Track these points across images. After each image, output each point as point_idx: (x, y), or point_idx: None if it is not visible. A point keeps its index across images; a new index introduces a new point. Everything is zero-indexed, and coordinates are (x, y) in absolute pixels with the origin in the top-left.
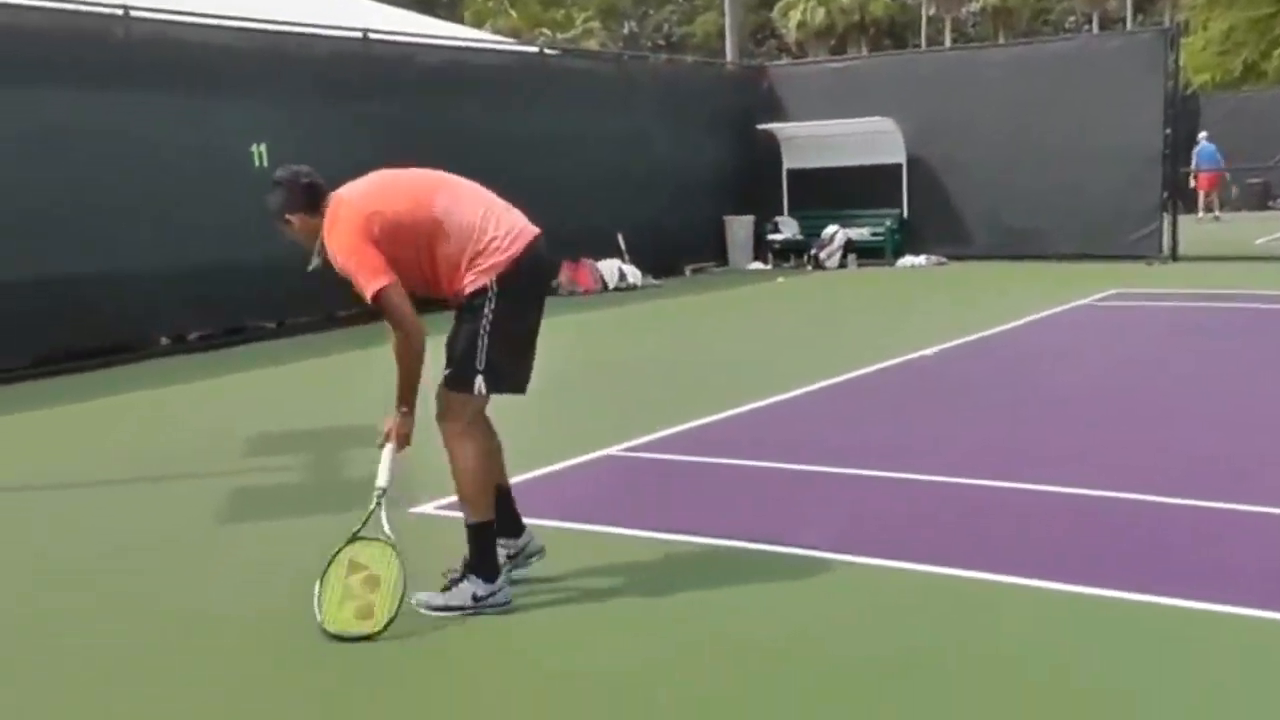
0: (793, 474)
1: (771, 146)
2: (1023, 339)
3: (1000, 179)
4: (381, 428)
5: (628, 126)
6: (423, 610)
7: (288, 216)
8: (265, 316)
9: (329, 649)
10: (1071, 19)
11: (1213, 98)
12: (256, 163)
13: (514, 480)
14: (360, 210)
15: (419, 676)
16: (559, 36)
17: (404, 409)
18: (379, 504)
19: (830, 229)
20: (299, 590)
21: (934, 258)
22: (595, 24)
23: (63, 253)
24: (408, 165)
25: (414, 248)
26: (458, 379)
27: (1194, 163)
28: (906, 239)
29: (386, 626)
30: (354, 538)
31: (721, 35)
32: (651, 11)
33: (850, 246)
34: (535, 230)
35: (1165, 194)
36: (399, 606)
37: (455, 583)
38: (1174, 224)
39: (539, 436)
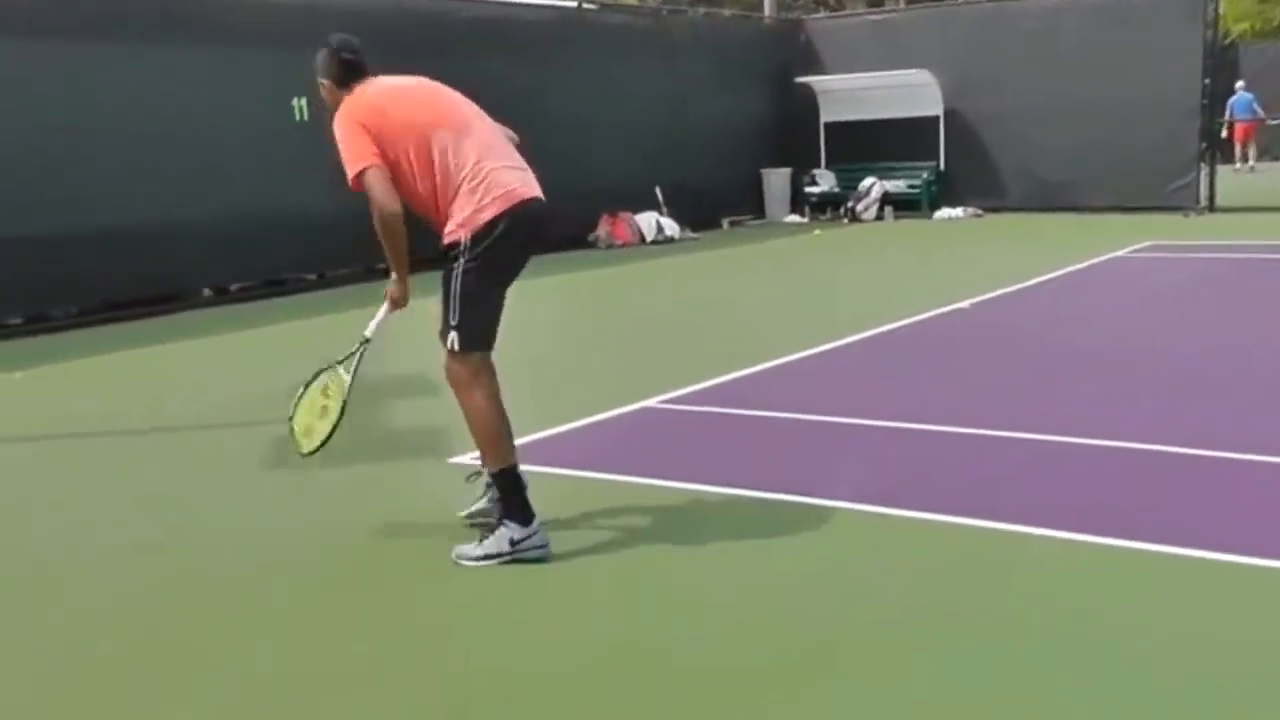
0: (826, 426)
1: (809, 100)
2: (1059, 291)
3: (1037, 131)
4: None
5: (665, 81)
6: (463, 563)
7: (321, 79)
8: (306, 269)
9: (363, 599)
10: None
11: (1252, 47)
12: (297, 116)
13: (551, 431)
14: (369, 102)
15: (440, 623)
16: None
17: (395, 276)
18: (361, 351)
19: (867, 181)
20: (332, 539)
21: (971, 210)
22: None
23: (106, 206)
24: None
25: (406, 161)
26: (441, 335)
27: (1228, 113)
28: (943, 191)
29: (314, 452)
30: (332, 365)
31: None
32: None
33: (887, 199)
34: (529, 194)
35: (1203, 145)
36: (328, 439)
37: (491, 530)
38: (1211, 175)
39: (576, 389)
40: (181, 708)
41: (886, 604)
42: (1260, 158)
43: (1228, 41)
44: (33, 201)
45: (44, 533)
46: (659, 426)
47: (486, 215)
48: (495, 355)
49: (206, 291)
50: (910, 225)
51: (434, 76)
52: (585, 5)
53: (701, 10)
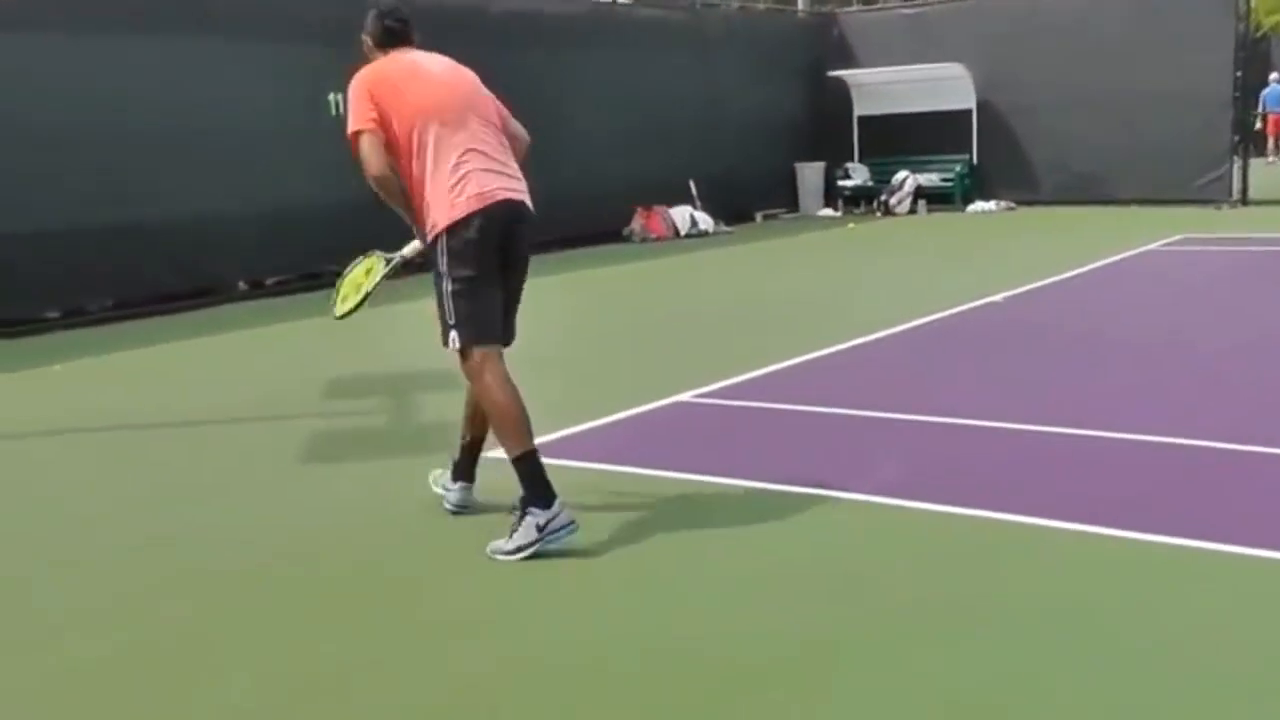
0: (859, 420)
1: (842, 93)
2: (1091, 284)
3: (1069, 123)
4: None
5: (699, 75)
6: (498, 558)
7: (364, 35)
8: (342, 262)
9: (386, 593)
10: None
11: None
12: (333, 111)
13: (585, 425)
14: (386, 75)
15: (457, 618)
16: None
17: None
18: (396, 261)
19: (900, 175)
20: (354, 533)
21: (1003, 203)
22: None
23: (142, 200)
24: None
25: (405, 140)
26: (442, 336)
27: (1261, 105)
28: (976, 184)
29: (344, 316)
30: (379, 255)
31: None
32: None
33: (920, 192)
34: (503, 196)
35: (1235, 138)
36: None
37: (519, 521)
38: (1244, 168)
39: (610, 383)
40: (188, 705)
41: (912, 597)
42: None
43: (1259, 34)
44: (69, 195)
45: (63, 524)
46: (693, 421)
47: (458, 214)
48: (534, 348)
49: (242, 285)
50: (943, 219)
51: (469, 67)
52: (620, 0)
53: (736, 4)
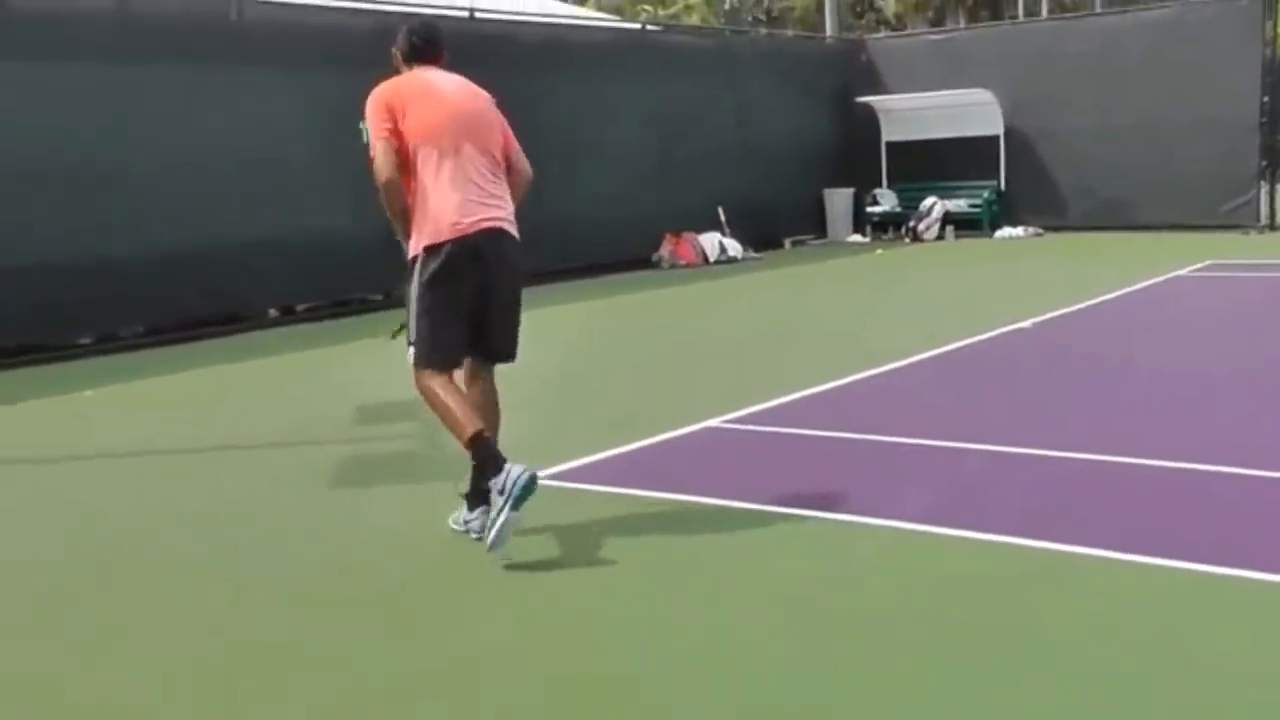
0: (888, 446)
1: (870, 119)
2: (1120, 311)
3: (1097, 149)
4: None
5: (728, 101)
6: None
7: (394, 49)
8: (372, 289)
9: (408, 620)
10: None
11: None
12: (364, 139)
13: (615, 450)
14: (400, 91)
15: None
16: (660, 13)
17: (402, 240)
18: None
19: (928, 201)
20: (378, 556)
21: (1031, 229)
22: (696, 0)
23: (173, 227)
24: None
25: (409, 157)
26: (407, 346)
27: None
28: (1004, 210)
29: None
30: None
31: (821, 9)
32: None
33: (948, 218)
34: (477, 228)
35: (1263, 162)
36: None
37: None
38: (1271, 193)
39: (639, 408)
40: None
41: (940, 623)
42: None
43: None
44: (102, 223)
45: (97, 546)
46: (722, 446)
47: (429, 240)
48: (564, 373)
49: (273, 312)
50: (971, 245)
51: (499, 95)
52: (649, 27)
53: (764, 31)
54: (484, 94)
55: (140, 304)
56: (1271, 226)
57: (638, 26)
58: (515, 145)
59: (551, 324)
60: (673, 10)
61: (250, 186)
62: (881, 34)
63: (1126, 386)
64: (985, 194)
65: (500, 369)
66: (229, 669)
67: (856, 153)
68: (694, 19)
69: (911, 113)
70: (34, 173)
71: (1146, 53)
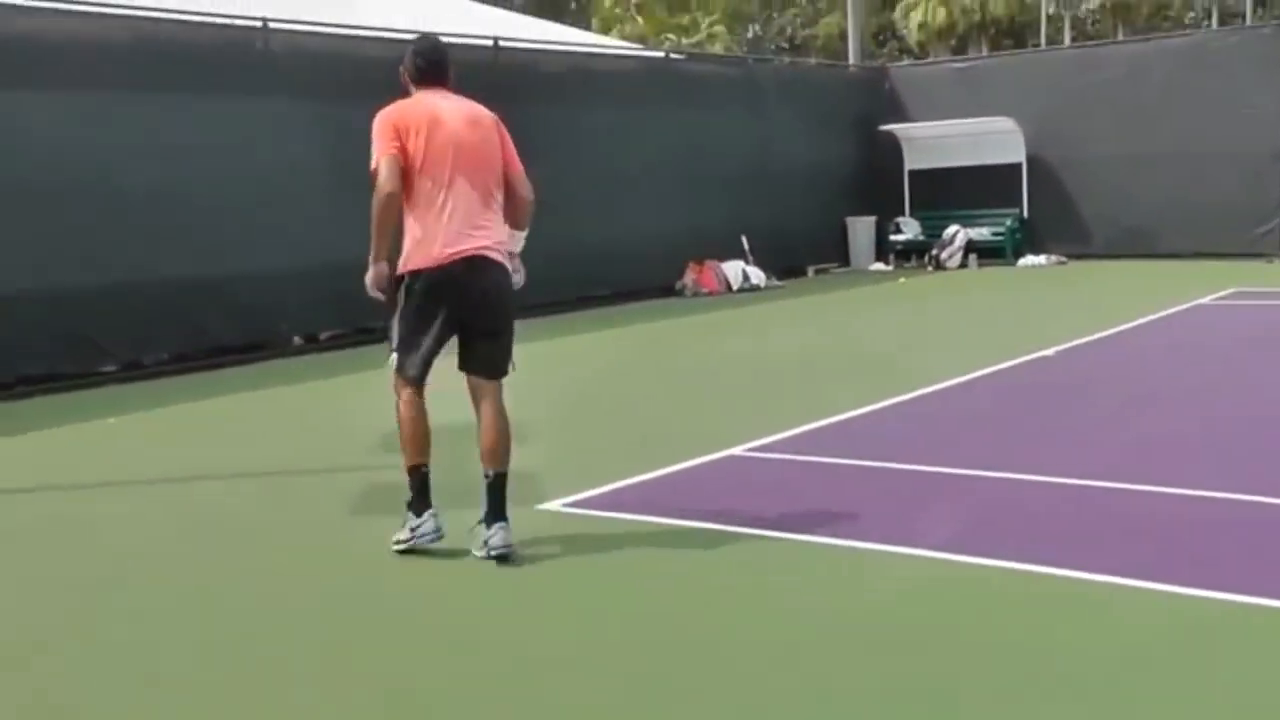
0: (913, 474)
1: (893, 147)
2: (1143, 338)
3: (1119, 177)
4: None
5: (752, 129)
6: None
7: (402, 68)
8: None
9: (439, 648)
10: (1191, 14)
11: None
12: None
13: (638, 479)
14: (405, 115)
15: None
16: (684, 41)
17: (371, 258)
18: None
19: (951, 229)
20: (416, 584)
21: (1054, 257)
22: (720, 28)
23: (197, 255)
24: (535, 168)
25: (409, 180)
26: (389, 354)
27: None
28: (1027, 238)
29: None
30: None
31: (844, 37)
32: (775, 15)
33: (971, 246)
34: (465, 255)
35: None
36: None
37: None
38: None
39: (662, 437)
40: None
41: (967, 652)
42: None
43: None
44: (126, 252)
45: (117, 571)
46: (746, 475)
47: (414, 265)
48: (587, 401)
49: (297, 340)
50: (994, 273)
51: (524, 123)
52: (673, 55)
53: (787, 59)
54: (486, 119)
55: (164, 331)
56: None
57: (661, 55)
58: (517, 168)
59: (576, 352)
60: (696, 39)
61: (274, 214)
62: (904, 62)
63: (1151, 414)
64: (1008, 222)
65: (526, 397)
66: (254, 693)
67: (879, 181)
68: (717, 48)
69: (934, 141)
70: (59, 200)
71: (1169, 81)
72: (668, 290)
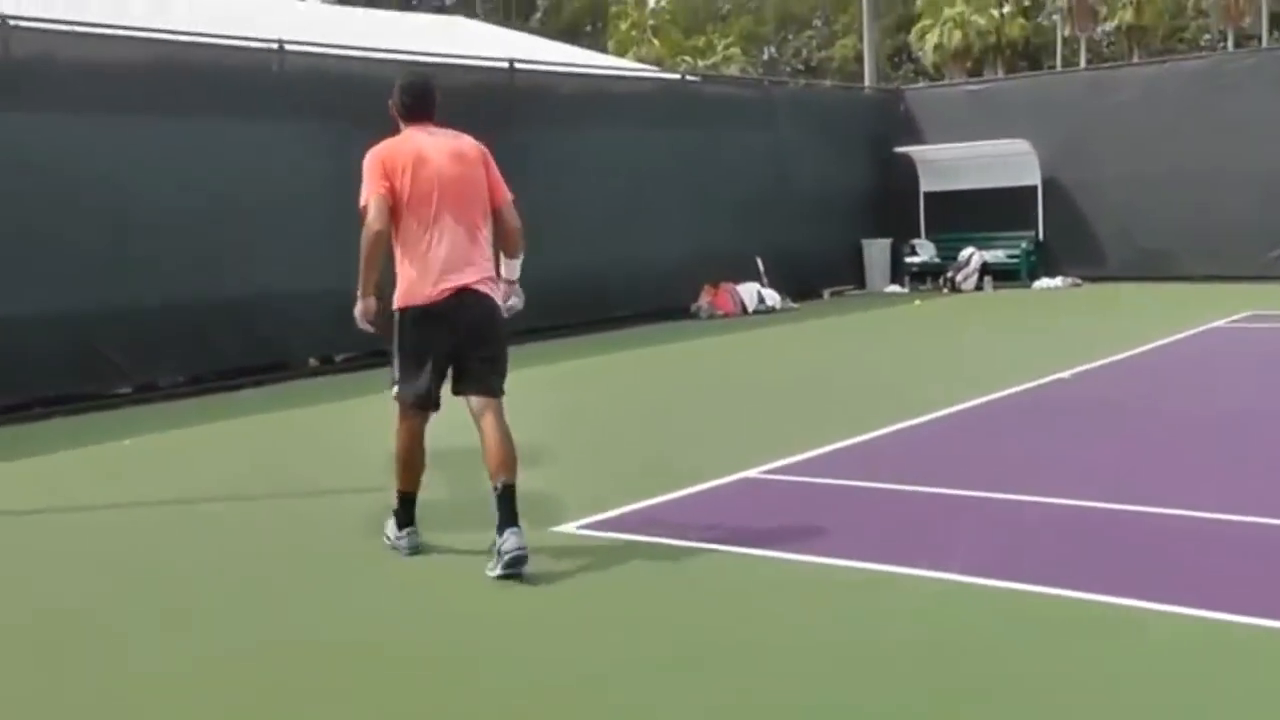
0: (930, 497)
1: (908, 169)
2: (1160, 361)
3: (1135, 199)
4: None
5: (767, 151)
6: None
7: (390, 101)
8: None
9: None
10: (1206, 36)
11: None
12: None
13: (653, 500)
14: (393, 154)
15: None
16: (700, 63)
17: (359, 292)
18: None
19: (966, 251)
20: (427, 607)
21: (1069, 279)
22: (735, 50)
23: (216, 276)
24: (551, 190)
25: (397, 216)
26: (391, 385)
27: None
28: (1042, 261)
29: None
30: None
31: (859, 59)
32: (790, 37)
33: (986, 269)
34: (451, 290)
35: None
36: None
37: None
38: None
39: (676, 459)
40: None
41: (987, 674)
42: None
43: None
44: (142, 274)
45: (132, 592)
46: (760, 497)
47: (404, 302)
48: (603, 424)
49: (312, 361)
50: (1010, 295)
51: (540, 145)
52: (689, 77)
53: (803, 81)
54: (471, 152)
55: (179, 353)
56: None
57: (677, 77)
58: (505, 198)
59: (592, 373)
60: (712, 61)
61: (290, 236)
62: (919, 84)
63: (1169, 437)
64: (1023, 244)
65: (542, 419)
66: (265, 715)
67: (894, 203)
68: (733, 69)
69: (949, 163)
70: (75, 221)
71: (1185, 104)
72: (683, 312)
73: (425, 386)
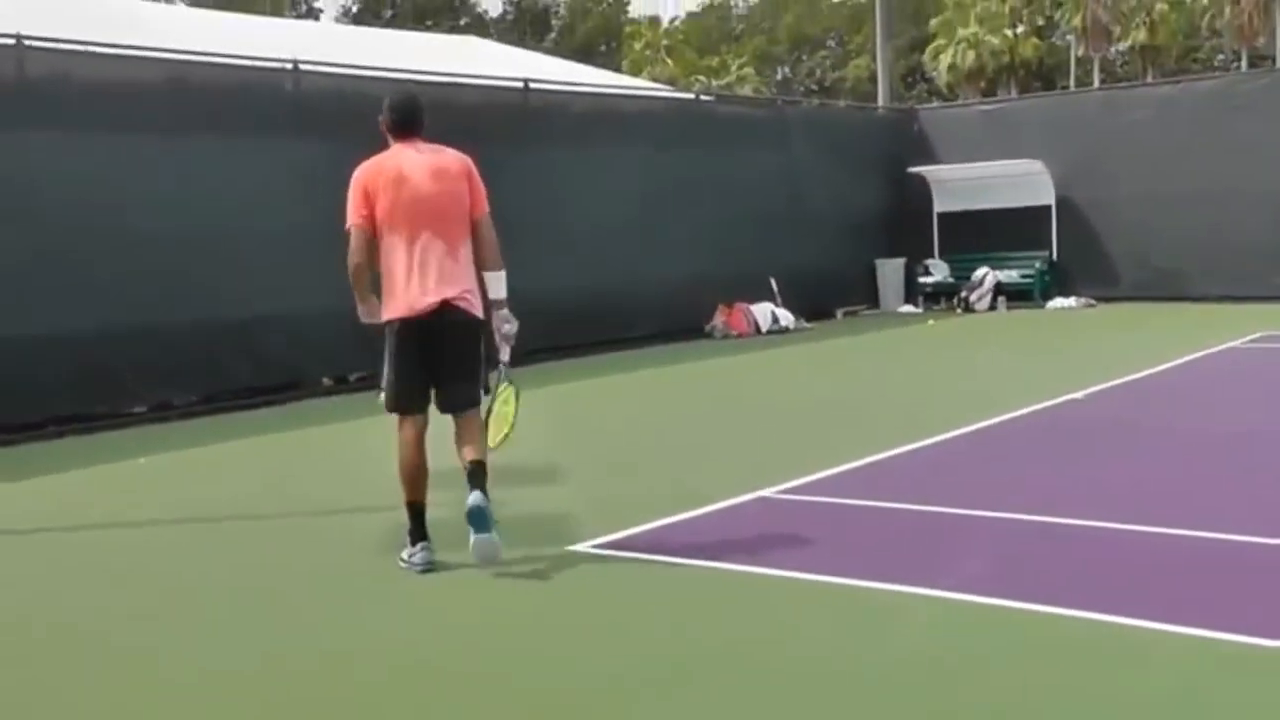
0: (942, 517)
1: (922, 189)
2: (1174, 381)
3: (1149, 219)
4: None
5: (781, 171)
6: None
7: (380, 118)
8: None
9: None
10: (1220, 57)
11: None
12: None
13: (668, 520)
14: (375, 175)
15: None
16: (714, 83)
17: (358, 300)
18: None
19: (980, 271)
20: (448, 625)
21: (1083, 299)
22: (749, 70)
23: (230, 295)
24: (564, 209)
25: (381, 234)
26: (379, 392)
27: None
28: (1056, 281)
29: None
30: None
31: (873, 79)
32: (804, 57)
33: (1000, 289)
34: (431, 304)
35: None
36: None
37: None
38: None
39: (692, 479)
40: None
41: (998, 694)
42: None
43: None
44: (157, 293)
45: (146, 610)
46: (776, 516)
47: (390, 315)
48: (619, 442)
49: (326, 381)
50: (1023, 315)
51: (554, 164)
52: (703, 97)
53: (816, 101)
54: (453, 169)
55: (193, 373)
56: None
57: (691, 96)
58: (482, 211)
59: (606, 393)
60: (726, 80)
61: (304, 255)
62: (933, 104)
63: (1183, 458)
64: (1037, 264)
65: (557, 438)
66: None
67: (908, 223)
68: (747, 89)
69: (963, 183)
70: (89, 240)
71: (1198, 123)
72: (697, 332)
73: (408, 388)
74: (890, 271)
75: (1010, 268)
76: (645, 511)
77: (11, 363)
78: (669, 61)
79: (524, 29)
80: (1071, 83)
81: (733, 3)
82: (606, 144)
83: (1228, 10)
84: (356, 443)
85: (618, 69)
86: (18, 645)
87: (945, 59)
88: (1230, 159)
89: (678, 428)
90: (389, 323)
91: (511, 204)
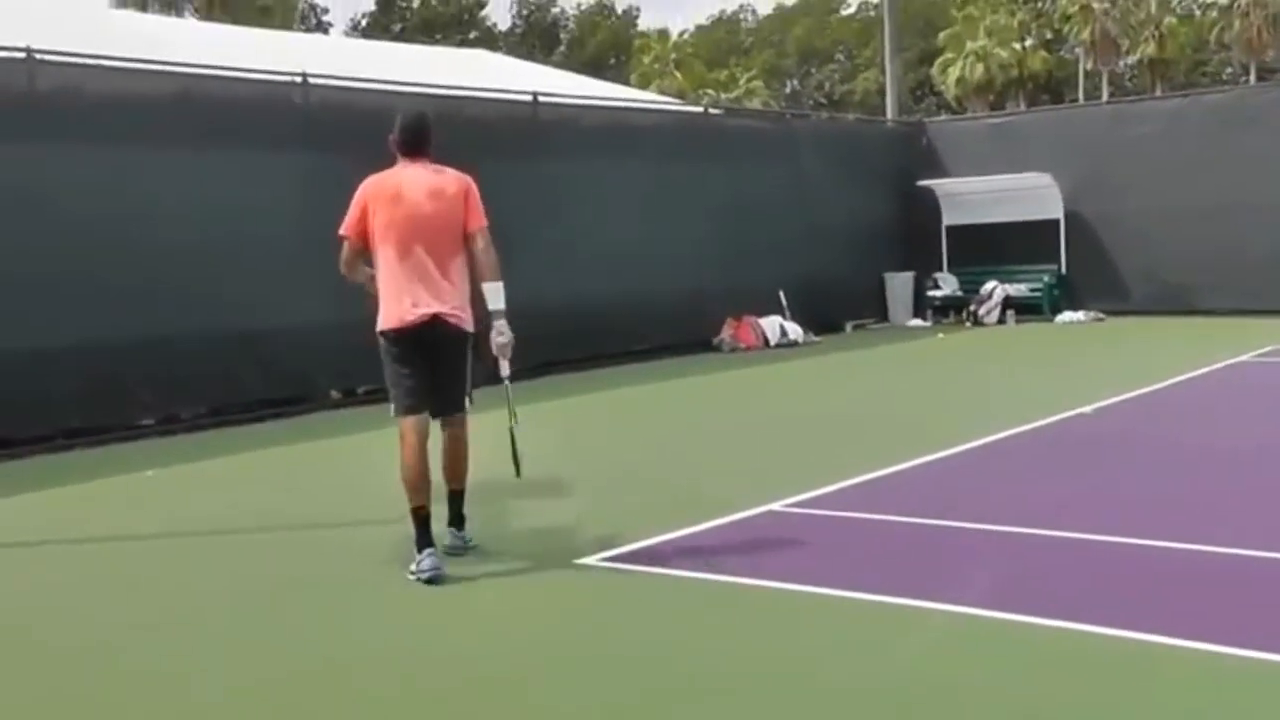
0: (951, 531)
1: (931, 202)
2: (1183, 396)
3: (1158, 233)
4: None
5: (789, 184)
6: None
7: (390, 137)
8: None
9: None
10: (1229, 70)
11: None
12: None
13: (678, 533)
14: (376, 191)
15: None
16: (722, 96)
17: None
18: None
19: (989, 285)
20: (450, 639)
21: (1092, 313)
22: (758, 83)
23: (239, 308)
24: (573, 222)
25: (377, 246)
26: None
27: None
28: (1065, 294)
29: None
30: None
31: (881, 92)
32: (813, 70)
33: (1009, 302)
34: (422, 316)
35: None
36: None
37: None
38: None
39: (701, 490)
40: None
41: (1006, 709)
42: None
43: None
44: (165, 306)
45: (154, 623)
46: (785, 530)
47: (384, 325)
48: (626, 455)
49: (334, 393)
50: (1032, 329)
51: (563, 177)
52: (711, 110)
53: (825, 114)
54: (450, 188)
55: (201, 385)
56: None
57: (700, 110)
58: (477, 225)
59: (615, 406)
60: (734, 94)
61: (312, 268)
62: (942, 117)
63: (1193, 472)
64: (1046, 278)
65: (567, 456)
66: None
67: (917, 236)
68: (755, 102)
69: (972, 196)
70: (98, 254)
71: (1207, 137)
72: (706, 345)
73: (409, 388)
74: (899, 285)
75: (1019, 281)
76: (654, 524)
77: (21, 375)
78: (678, 75)
79: (533, 42)
80: (1080, 96)
81: (742, 16)
82: (615, 157)
83: (1236, 24)
84: (364, 456)
85: (627, 82)
86: (21, 656)
87: (954, 72)
88: (1239, 172)
89: (686, 441)
90: (382, 334)
91: (520, 217)
